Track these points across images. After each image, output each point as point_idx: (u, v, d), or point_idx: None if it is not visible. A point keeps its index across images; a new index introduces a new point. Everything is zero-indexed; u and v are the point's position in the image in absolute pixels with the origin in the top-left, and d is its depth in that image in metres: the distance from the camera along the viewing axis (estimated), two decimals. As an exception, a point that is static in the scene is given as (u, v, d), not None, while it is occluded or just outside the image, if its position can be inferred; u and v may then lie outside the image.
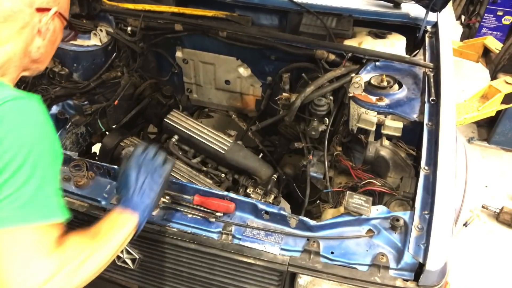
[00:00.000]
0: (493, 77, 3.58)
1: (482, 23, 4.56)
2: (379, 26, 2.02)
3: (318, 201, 1.67)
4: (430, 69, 1.72)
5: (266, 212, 1.30)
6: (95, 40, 2.01)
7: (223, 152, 1.83)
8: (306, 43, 1.89)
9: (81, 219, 1.35)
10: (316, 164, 1.70)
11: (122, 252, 1.38)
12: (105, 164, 1.44)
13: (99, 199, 1.37)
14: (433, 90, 1.61)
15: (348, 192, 1.30)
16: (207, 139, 1.87)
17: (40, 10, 1.02)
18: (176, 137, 1.91)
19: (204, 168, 1.87)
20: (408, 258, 1.15)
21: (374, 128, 1.57)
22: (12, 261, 0.81)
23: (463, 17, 4.97)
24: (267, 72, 2.17)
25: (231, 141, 1.87)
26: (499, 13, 4.46)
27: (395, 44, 1.92)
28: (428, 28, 1.97)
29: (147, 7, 2.05)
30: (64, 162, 1.45)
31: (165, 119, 1.95)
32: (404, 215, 1.24)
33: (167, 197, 1.35)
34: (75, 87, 1.92)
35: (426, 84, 1.65)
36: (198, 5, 2.12)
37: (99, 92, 2.03)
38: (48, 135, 0.90)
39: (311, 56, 1.88)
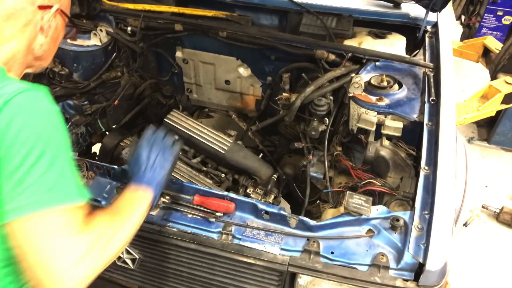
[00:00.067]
0: (493, 77, 3.58)
1: (482, 23, 4.56)
2: (379, 26, 2.02)
3: (318, 201, 1.67)
4: (430, 69, 1.72)
5: (266, 212, 1.30)
6: (95, 40, 2.01)
7: (223, 152, 1.83)
8: (306, 43, 1.89)
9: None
10: (316, 164, 1.70)
11: (122, 252, 1.38)
12: (105, 164, 1.44)
13: (99, 199, 1.38)
14: (433, 90, 1.61)
15: (348, 192, 1.30)
16: (207, 139, 1.86)
17: (42, 7, 1.03)
18: (176, 137, 1.91)
19: (204, 168, 1.87)
20: (408, 258, 1.15)
21: (374, 128, 1.57)
22: (46, 243, 0.84)
23: (463, 17, 4.97)
24: (267, 72, 2.17)
25: (231, 141, 1.87)
26: (499, 13, 4.46)
27: (395, 44, 1.92)
28: (428, 28, 1.97)
29: (147, 7, 2.05)
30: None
31: (165, 119, 1.95)
32: (404, 215, 1.24)
33: (167, 197, 1.35)
34: (75, 87, 1.92)
35: (426, 84, 1.65)
36: (198, 5, 2.12)
37: (99, 92, 2.03)
38: (61, 123, 0.94)
39: (311, 56, 1.88)
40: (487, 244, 2.90)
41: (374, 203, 1.31)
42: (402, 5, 2.05)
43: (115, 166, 1.42)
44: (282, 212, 1.29)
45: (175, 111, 2.01)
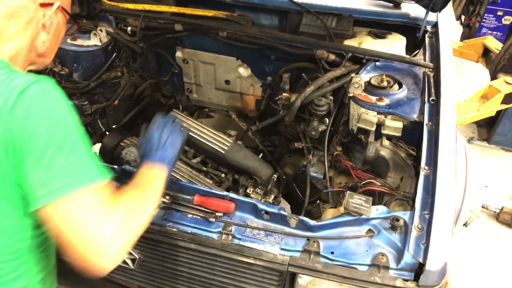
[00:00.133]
0: (493, 77, 3.58)
1: (482, 23, 4.56)
2: (379, 26, 2.02)
3: (318, 201, 1.67)
4: (430, 69, 1.72)
5: (266, 212, 1.30)
6: (95, 40, 2.01)
7: (223, 152, 1.83)
8: (306, 43, 1.89)
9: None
10: (316, 164, 1.70)
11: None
12: (105, 164, 1.44)
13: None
14: (433, 90, 1.61)
15: (348, 192, 1.30)
16: (207, 139, 1.86)
17: (43, 5, 1.04)
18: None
19: (204, 168, 1.87)
20: (408, 258, 1.15)
21: (374, 128, 1.57)
22: (83, 221, 0.89)
23: (463, 17, 4.97)
24: (267, 72, 2.17)
25: (231, 141, 1.87)
26: (499, 13, 4.46)
27: (395, 44, 1.92)
28: (428, 28, 1.97)
29: (147, 7, 2.05)
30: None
31: (165, 119, 1.95)
32: (404, 215, 1.24)
33: (167, 197, 1.35)
34: (75, 87, 1.92)
35: (426, 84, 1.65)
36: (198, 5, 2.12)
37: (99, 92, 2.04)
38: (72, 110, 0.97)
39: (311, 56, 1.88)
40: (487, 244, 2.90)
41: (374, 203, 1.31)
42: (402, 5, 2.05)
43: (115, 166, 1.42)
44: (282, 212, 1.29)
45: (175, 111, 2.01)
